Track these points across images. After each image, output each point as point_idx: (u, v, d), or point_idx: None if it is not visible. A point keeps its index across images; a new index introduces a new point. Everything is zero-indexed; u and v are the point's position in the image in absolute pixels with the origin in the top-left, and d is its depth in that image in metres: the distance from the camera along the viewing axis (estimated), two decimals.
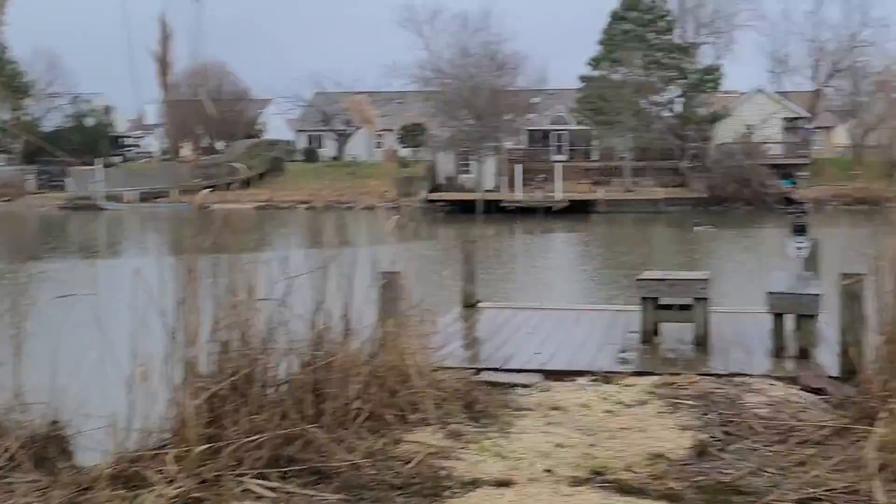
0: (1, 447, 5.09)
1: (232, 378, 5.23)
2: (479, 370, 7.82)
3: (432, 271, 7.55)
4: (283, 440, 5.12)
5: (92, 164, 60.35)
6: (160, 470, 4.72)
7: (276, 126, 77.27)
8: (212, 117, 71.47)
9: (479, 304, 11.31)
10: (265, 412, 5.19)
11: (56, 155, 64.12)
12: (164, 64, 4.66)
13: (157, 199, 57.91)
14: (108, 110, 75.61)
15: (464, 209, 52.79)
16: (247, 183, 63.40)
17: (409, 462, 5.25)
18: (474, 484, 4.92)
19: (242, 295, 5.45)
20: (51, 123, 74.32)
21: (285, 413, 5.28)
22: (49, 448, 5.35)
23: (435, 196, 55.78)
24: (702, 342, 8.67)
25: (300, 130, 78.40)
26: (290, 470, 4.99)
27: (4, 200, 58.84)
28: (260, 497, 4.63)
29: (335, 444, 5.24)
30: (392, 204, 53.57)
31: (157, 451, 4.92)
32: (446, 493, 4.80)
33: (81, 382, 5.41)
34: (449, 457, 5.40)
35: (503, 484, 4.92)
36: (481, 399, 6.71)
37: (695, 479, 4.94)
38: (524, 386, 7.36)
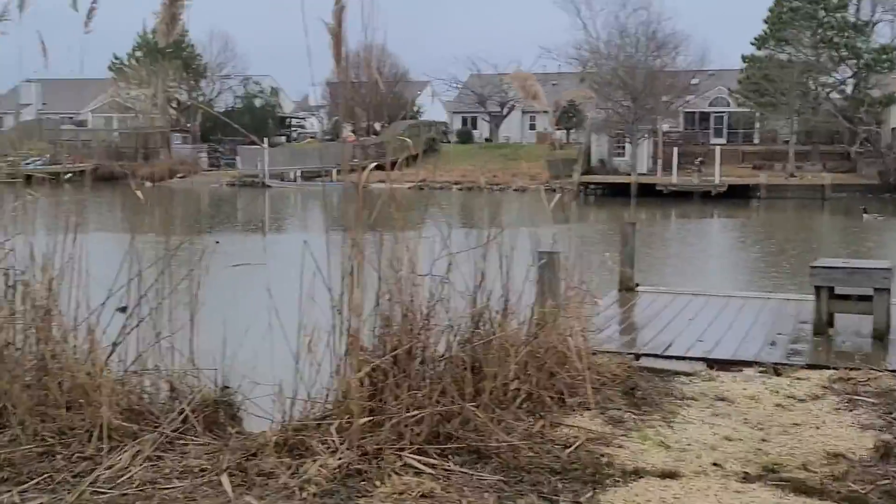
0: (176, 409, 5.31)
1: (394, 352, 5.25)
2: (638, 356, 7.60)
3: (588, 253, 7.31)
4: (441, 417, 5.10)
5: (259, 144, 62.51)
6: (324, 440, 4.79)
7: (432, 108, 78.21)
8: (372, 99, 72.59)
9: (638, 288, 11.02)
10: (425, 388, 5.18)
11: (227, 134, 67.14)
12: (337, 36, 4.68)
13: (319, 178, 59.03)
14: (275, 92, 77.59)
15: (617, 192, 51.75)
16: (405, 163, 63.80)
17: (569, 447, 5.12)
18: (637, 474, 4.75)
19: (405, 271, 5.45)
20: (223, 104, 76.30)
21: (444, 390, 5.25)
22: (219, 412, 5.53)
23: (587, 179, 54.93)
24: (881, 336, 8.11)
25: (455, 112, 79.08)
26: (448, 447, 4.97)
27: (180, 177, 61.62)
28: (419, 473, 4.62)
29: (493, 424, 5.18)
30: (544, 186, 53.42)
31: (321, 422, 5.00)
32: (608, 481, 4.65)
33: (250, 350, 5.57)
34: (610, 444, 5.24)
35: (668, 475, 4.72)
36: (642, 386, 6.51)
37: (880, 483, 4.59)
38: (686, 374, 7.08)
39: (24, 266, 5.63)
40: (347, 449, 4.73)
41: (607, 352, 7.05)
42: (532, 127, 75.76)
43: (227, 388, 5.65)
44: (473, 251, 6.00)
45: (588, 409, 5.86)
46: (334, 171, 60.35)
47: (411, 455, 4.77)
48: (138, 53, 74.76)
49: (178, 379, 5.58)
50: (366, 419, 4.89)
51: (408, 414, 4.98)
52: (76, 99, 78.67)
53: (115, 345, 5.60)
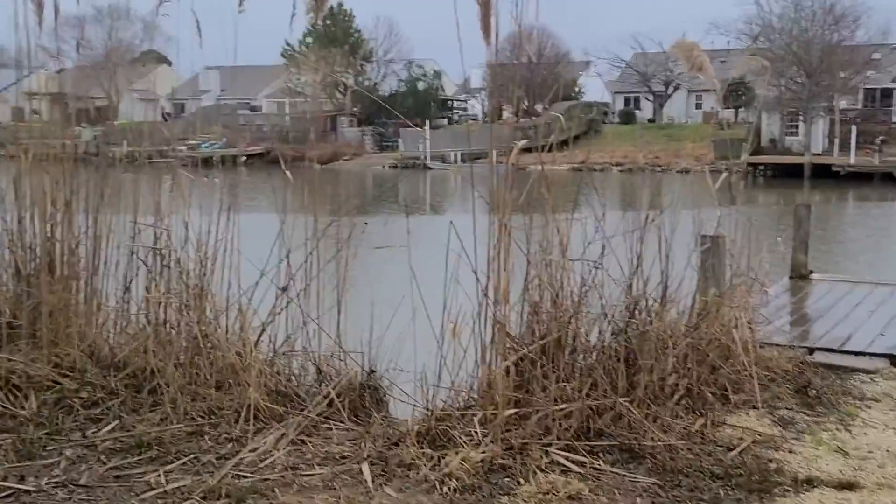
0: (322, 393, 5.25)
1: (542, 341, 4.98)
2: (811, 350, 6.99)
3: (756, 237, 6.71)
4: (592, 412, 4.80)
5: (421, 126, 63.23)
6: (467, 431, 4.59)
7: (594, 88, 76.31)
8: (532, 80, 72.50)
9: (812, 276, 10.25)
10: (574, 380, 4.89)
11: (391, 117, 67.53)
12: (486, 7, 4.44)
13: (478, 160, 58.52)
14: (437, 75, 77.60)
15: (788, 173, 49.14)
16: (564, 144, 63.33)
17: (732, 449, 4.71)
18: (810, 483, 4.29)
19: (555, 254, 5.16)
20: (387, 88, 76.62)
21: (595, 383, 4.94)
22: (365, 397, 5.44)
23: (756, 159, 52.41)
24: None
25: (617, 92, 77.14)
26: (599, 444, 4.67)
27: (346, 159, 63.05)
28: (567, 471, 4.35)
29: (648, 421, 4.83)
30: (709, 167, 51.68)
31: (465, 412, 4.81)
32: (776, 489, 4.22)
33: (395, 334, 5.43)
34: (779, 448, 4.79)
35: (846, 486, 4.24)
36: (815, 383, 5.95)
37: None
38: (867, 372, 6.45)
39: (180, 245, 5.73)
40: (491, 442, 4.51)
41: (777, 345, 6.51)
42: (698, 106, 72.58)
43: (374, 371, 5.55)
44: (630, 235, 5.63)
45: (754, 407, 5.40)
46: (492, 153, 61.21)
47: (559, 451, 4.51)
48: (308, 40, 75.67)
49: (325, 362, 5.54)
50: (511, 411, 4.65)
51: (556, 407, 4.71)
52: (252, 85, 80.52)
53: (264, 326, 5.62)
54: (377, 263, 6.46)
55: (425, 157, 60.03)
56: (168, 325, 5.60)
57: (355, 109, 73.03)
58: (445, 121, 74.95)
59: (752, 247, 6.78)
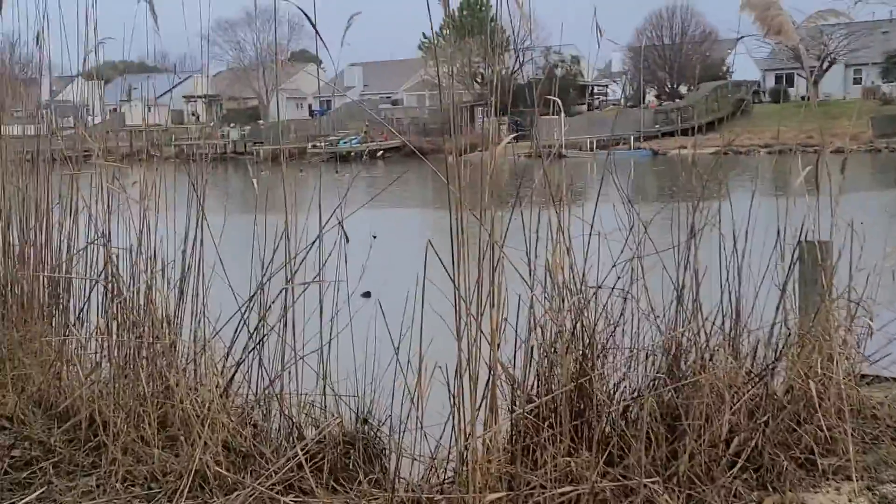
0: (290, 454, 4.28)
1: (546, 397, 3.83)
2: None
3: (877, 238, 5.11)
4: (611, 495, 3.62)
5: (557, 114, 62.26)
6: None
7: (743, 67, 73.03)
8: (675, 61, 71.46)
9: None
10: (590, 450, 3.72)
11: (528, 106, 66.86)
12: None
13: (616, 146, 57.38)
14: (575, 60, 75.62)
15: None
16: (710, 126, 60.23)
17: None
18: None
19: (565, 275, 3.98)
20: (524, 76, 76.48)
21: (620, 452, 3.76)
22: (350, 455, 4.44)
23: None
24: None
25: (768, 70, 73.90)
26: None
27: (480, 150, 62.93)
28: None
29: None
30: (866, 146, 49.79)
31: (443, 494, 3.73)
32: None
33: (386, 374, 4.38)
34: None
35: None
36: None
37: None
38: None
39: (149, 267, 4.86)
40: None
41: (886, 380, 5.07)
42: (857, 81, 69.57)
43: (367, 421, 4.53)
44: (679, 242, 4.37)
45: (848, 478, 4.05)
46: (631, 139, 59.03)
47: None
48: (445, 31, 76.65)
49: (303, 409, 4.56)
50: (495, 496, 3.53)
51: (559, 489, 3.56)
52: (393, 79, 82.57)
53: (237, 365, 4.70)
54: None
55: (560, 145, 58.22)
56: (128, 365, 4.77)
57: (493, 99, 72.69)
58: (585, 107, 73.41)
59: (863, 255, 5.22)
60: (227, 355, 4.60)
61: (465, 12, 73.61)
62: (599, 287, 4.01)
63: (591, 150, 57.53)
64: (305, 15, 4.15)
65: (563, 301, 3.96)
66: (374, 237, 5.34)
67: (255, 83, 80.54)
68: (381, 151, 66.83)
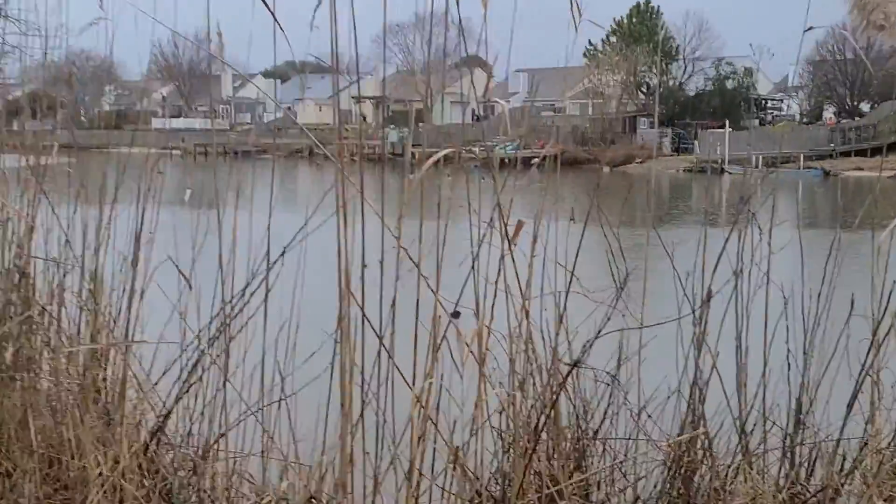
0: None
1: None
2: None
3: None
4: None
5: (724, 128, 58.70)
6: None
7: None
8: (857, 77, 63.81)
9: None
10: None
11: (695, 118, 63.85)
12: None
13: (784, 164, 51.40)
14: (748, 72, 70.73)
15: None
16: (892, 147, 49.64)
17: None
18: None
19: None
20: (693, 87, 72.34)
21: None
22: None
23: None
24: None
25: None
26: None
27: (638, 162, 59.30)
28: None
29: None
30: None
31: None
32: None
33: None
34: None
35: None
36: None
37: None
38: None
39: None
40: None
41: None
42: None
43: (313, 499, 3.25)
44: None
45: None
46: (801, 157, 52.76)
47: None
48: (612, 39, 72.02)
49: (239, 480, 3.55)
50: None
51: None
52: (559, 86, 69.57)
53: (164, 417, 3.61)
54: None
55: (722, 161, 52.90)
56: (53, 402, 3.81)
57: (658, 110, 67.80)
58: (757, 122, 69.39)
59: None
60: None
61: (633, 20, 69.42)
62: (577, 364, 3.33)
63: (757, 166, 38.82)
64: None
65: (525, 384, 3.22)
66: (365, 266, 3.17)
67: (421, 86, 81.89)
68: (535, 159, 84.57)
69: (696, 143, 61.42)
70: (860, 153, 55.21)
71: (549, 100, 75.22)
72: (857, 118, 64.90)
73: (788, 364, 3.49)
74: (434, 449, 3.09)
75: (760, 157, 42.71)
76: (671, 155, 63.24)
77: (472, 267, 3.13)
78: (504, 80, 57.56)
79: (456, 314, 3.34)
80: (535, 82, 68.33)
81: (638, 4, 70.58)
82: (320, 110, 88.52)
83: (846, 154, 56.48)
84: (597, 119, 68.12)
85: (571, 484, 3.15)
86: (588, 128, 67.41)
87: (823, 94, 63.31)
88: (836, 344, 3.43)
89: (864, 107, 67.62)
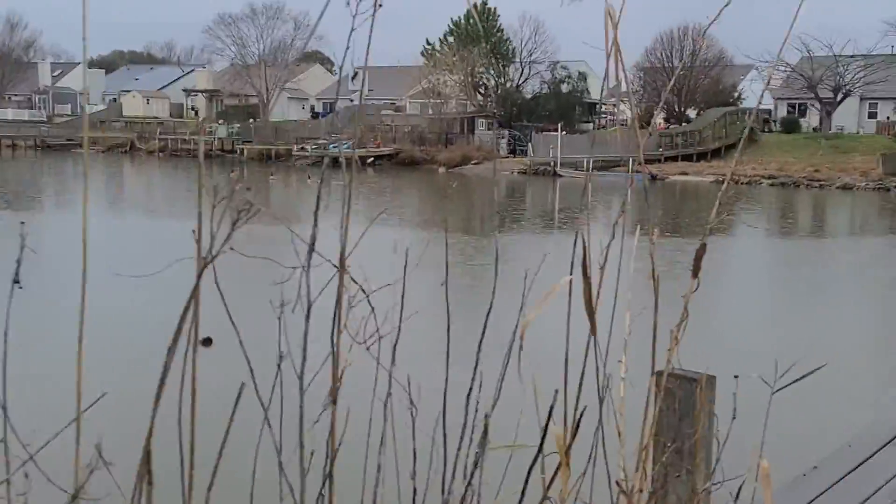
0: None
1: None
2: None
3: None
4: None
5: (557, 131, 59.08)
6: None
7: (755, 94, 68.48)
8: (685, 84, 65.85)
9: None
10: None
11: (532, 121, 64.81)
12: None
13: (613, 168, 53.56)
14: (583, 77, 71.97)
15: None
16: (715, 153, 59.32)
17: None
18: None
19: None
20: (530, 90, 72.75)
21: None
22: None
23: None
24: None
25: (780, 98, 70.11)
26: None
27: (474, 163, 60.34)
28: None
29: None
30: (875, 183, 45.44)
31: None
32: None
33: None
34: None
35: None
36: None
37: None
38: None
39: None
40: None
41: None
42: (872, 115, 66.30)
43: None
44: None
45: None
46: (631, 161, 51.39)
47: None
48: (450, 39, 72.90)
49: None
50: None
51: None
52: (398, 86, 75.80)
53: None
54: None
55: (555, 164, 55.87)
56: None
57: (495, 112, 69.13)
58: (591, 125, 71.42)
59: None
60: None
61: (471, 21, 70.04)
62: None
63: (588, 170, 47.77)
64: None
65: None
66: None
67: (257, 81, 76.68)
68: (372, 159, 60.35)
69: (530, 145, 62.97)
70: (686, 158, 58.44)
71: (390, 98, 75.49)
72: (683, 124, 67.95)
73: None
74: None
75: (592, 160, 43.45)
76: (507, 157, 64.77)
77: None
78: (346, 76, 55.90)
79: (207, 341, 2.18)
80: (375, 80, 67.69)
81: (475, 5, 71.69)
82: (147, 103, 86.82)
83: (673, 159, 58.83)
84: (435, 119, 68.91)
85: None
86: (426, 128, 68.03)
87: (653, 100, 66.73)
88: None
89: (691, 113, 70.39)
